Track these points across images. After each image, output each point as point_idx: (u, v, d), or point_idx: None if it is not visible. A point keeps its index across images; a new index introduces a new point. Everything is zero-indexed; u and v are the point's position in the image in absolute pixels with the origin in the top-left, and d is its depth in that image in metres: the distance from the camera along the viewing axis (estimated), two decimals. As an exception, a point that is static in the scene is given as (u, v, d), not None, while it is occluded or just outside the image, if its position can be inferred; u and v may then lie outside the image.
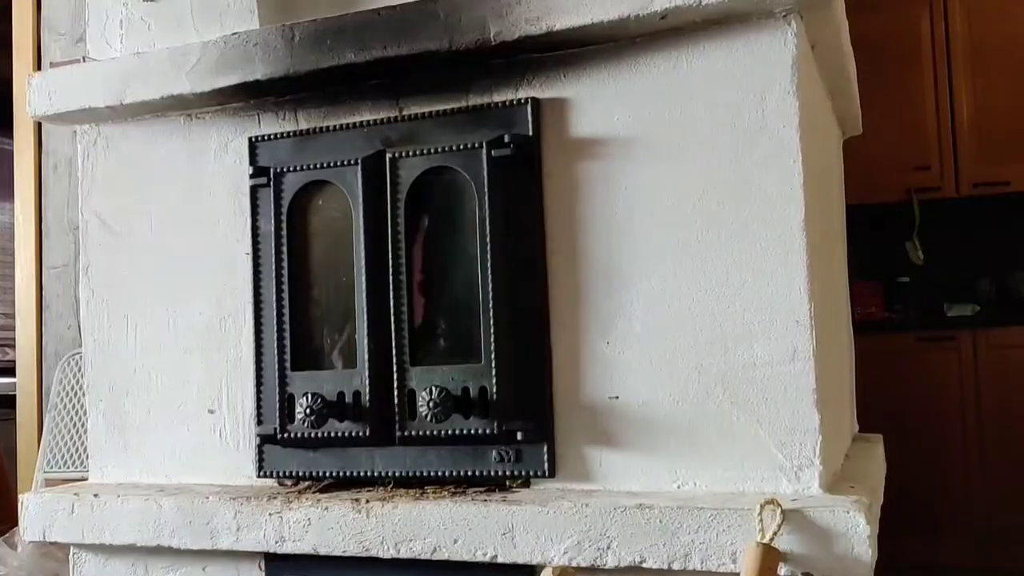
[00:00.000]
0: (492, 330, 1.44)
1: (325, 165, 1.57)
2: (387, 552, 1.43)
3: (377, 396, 1.50)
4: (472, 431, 1.44)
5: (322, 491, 1.56)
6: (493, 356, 1.43)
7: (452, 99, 1.56)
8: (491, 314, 1.44)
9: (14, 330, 3.01)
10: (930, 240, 3.72)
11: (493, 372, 1.43)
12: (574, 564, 1.33)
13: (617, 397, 1.43)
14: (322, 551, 1.47)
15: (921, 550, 3.24)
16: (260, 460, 1.65)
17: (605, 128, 1.46)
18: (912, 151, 3.64)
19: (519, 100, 1.50)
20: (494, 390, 1.43)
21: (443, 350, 1.51)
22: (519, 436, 1.43)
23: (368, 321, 1.51)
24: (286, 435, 1.55)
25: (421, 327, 1.51)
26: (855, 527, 1.21)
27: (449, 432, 1.45)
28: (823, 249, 1.58)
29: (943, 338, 3.38)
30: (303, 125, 1.66)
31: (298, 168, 1.59)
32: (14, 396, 3.02)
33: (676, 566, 1.28)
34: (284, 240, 1.59)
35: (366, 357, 1.51)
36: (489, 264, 1.44)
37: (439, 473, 1.53)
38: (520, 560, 1.36)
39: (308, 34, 1.56)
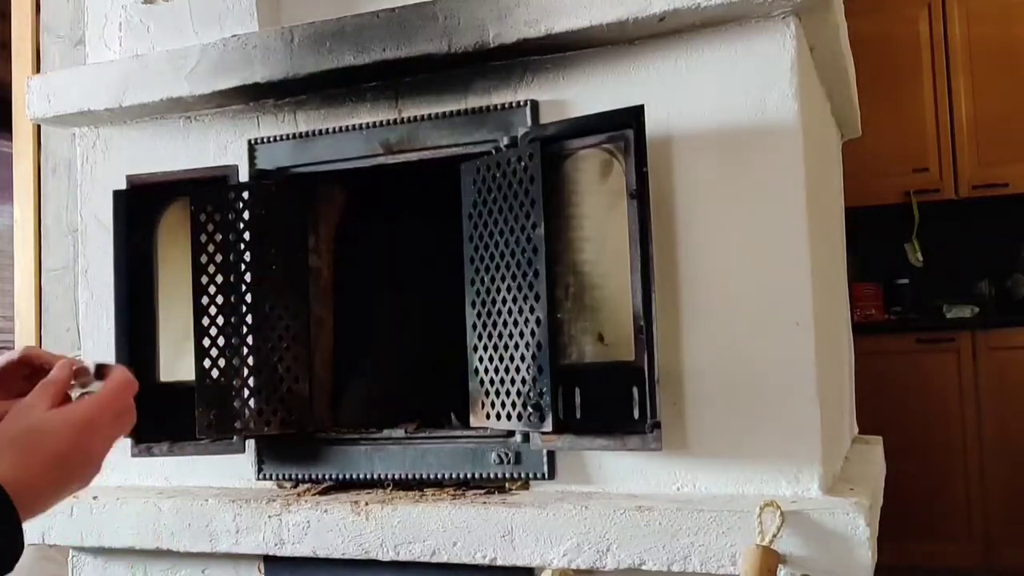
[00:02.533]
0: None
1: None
2: (386, 555, 1.43)
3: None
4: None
5: (321, 493, 1.56)
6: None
7: (451, 101, 1.56)
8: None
9: (13, 332, 3.01)
10: (929, 242, 3.72)
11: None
12: (573, 566, 1.32)
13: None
14: (321, 554, 1.47)
15: (920, 552, 3.24)
16: (259, 462, 1.65)
17: (604, 130, 1.45)
18: (911, 153, 3.64)
19: (518, 102, 1.50)
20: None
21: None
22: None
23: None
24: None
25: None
26: (855, 529, 1.21)
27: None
28: (823, 251, 1.58)
29: (942, 340, 3.38)
30: (302, 127, 1.66)
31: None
32: (13, 399, 3.01)
33: (676, 568, 1.27)
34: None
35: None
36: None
37: (438, 475, 1.53)
38: (519, 563, 1.36)
39: (307, 36, 1.56)
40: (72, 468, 0.80)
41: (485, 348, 1.47)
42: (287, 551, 1.49)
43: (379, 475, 1.57)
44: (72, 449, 0.80)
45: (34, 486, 0.75)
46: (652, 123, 1.34)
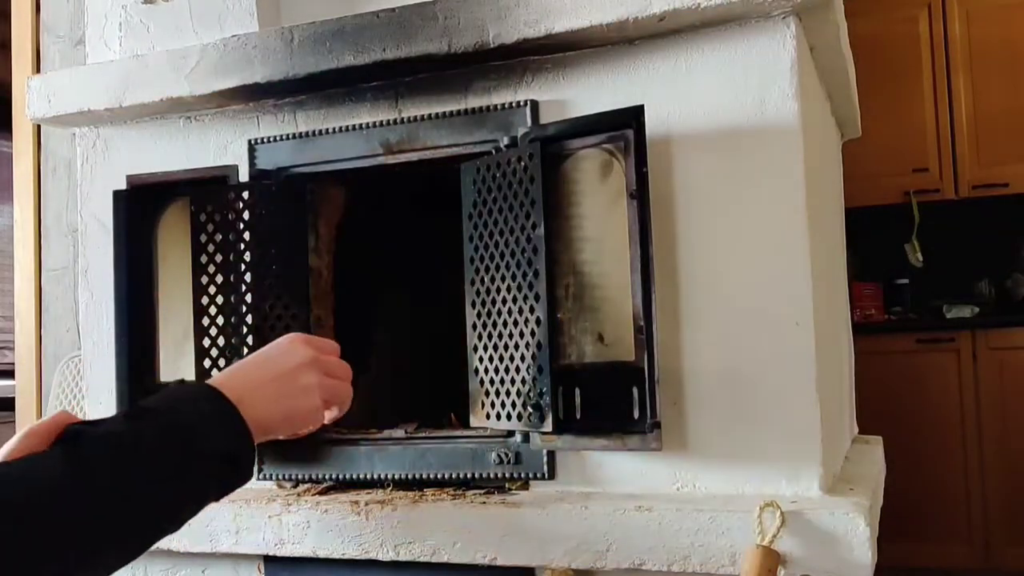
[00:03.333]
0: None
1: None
2: (386, 555, 1.43)
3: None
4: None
5: (321, 493, 1.56)
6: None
7: (451, 101, 1.56)
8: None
9: (13, 333, 3.01)
10: (929, 242, 3.72)
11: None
12: (573, 567, 1.32)
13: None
14: (321, 553, 1.47)
15: (920, 552, 3.24)
16: (259, 462, 1.65)
17: (604, 130, 1.45)
18: (911, 153, 3.65)
19: (518, 102, 1.50)
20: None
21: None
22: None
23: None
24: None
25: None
26: (855, 529, 1.21)
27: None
28: (823, 251, 1.58)
29: (942, 340, 3.39)
30: (302, 127, 1.66)
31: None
32: (13, 399, 3.02)
33: (676, 568, 1.27)
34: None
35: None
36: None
37: (438, 475, 1.53)
38: (519, 563, 1.36)
39: (307, 36, 1.56)
40: (274, 362, 1.06)
41: (485, 348, 1.47)
42: (287, 551, 1.49)
43: (379, 475, 1.57)
44: (271, 349, 1.09)
45: (244, 385, 1.00)
46: (652, 123, 1.34)
